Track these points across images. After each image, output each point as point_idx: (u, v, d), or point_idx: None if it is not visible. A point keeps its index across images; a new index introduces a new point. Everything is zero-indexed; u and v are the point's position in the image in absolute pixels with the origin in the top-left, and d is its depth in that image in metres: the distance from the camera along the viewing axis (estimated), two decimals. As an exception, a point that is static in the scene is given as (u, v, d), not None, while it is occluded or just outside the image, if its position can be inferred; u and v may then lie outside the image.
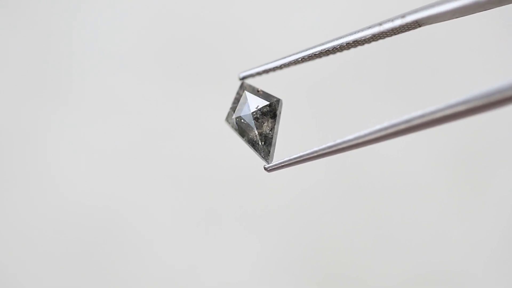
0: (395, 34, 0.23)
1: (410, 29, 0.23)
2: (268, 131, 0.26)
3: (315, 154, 0.26)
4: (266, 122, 0.25)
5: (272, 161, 0.27)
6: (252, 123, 0.25)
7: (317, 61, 0.26)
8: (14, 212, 0.66)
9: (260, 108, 0.25)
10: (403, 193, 0.65)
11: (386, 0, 0.68)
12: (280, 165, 0.26)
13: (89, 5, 0.70)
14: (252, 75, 0.25)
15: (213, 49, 0.69)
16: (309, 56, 0.24)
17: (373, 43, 0.25)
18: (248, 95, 0.25)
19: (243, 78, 0.26)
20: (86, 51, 0.69)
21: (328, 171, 0.65)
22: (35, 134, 0.68)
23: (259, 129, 0.26)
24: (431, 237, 0.64)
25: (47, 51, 0.69)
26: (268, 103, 0.25)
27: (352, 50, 0.25)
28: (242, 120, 0.26)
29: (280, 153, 0.29)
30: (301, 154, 0.25)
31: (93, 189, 0.66)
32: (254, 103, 0.25)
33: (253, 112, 0.25)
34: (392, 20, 0.22)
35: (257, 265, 0.65)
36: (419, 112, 0.23)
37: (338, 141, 0.25)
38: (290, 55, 0.25)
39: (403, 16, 0.21)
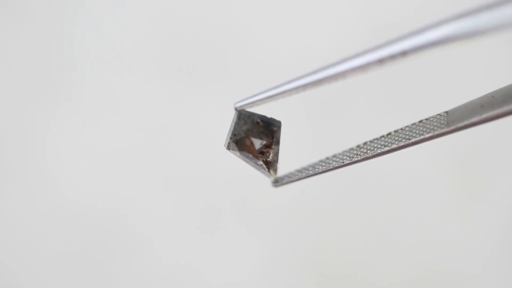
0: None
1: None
2: (272, 157, 0.26)
3: (321, 170, 0.26)
4: (270, 151, 0.26)
5: (277, 175, 0.27)
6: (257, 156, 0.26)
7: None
8: (14, 212, 0.66)
9: (264, 143, 0.25)
10: (402, 192, 0.65)
11: (388, 7, 0.67)
12: (287, 182, 0.27)
13: (91, 4, 0.67)
14: (248, 104, 0.25)
15: (215, 49, 0.68)
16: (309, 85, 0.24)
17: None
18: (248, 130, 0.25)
19: (238, 108, 0.26)
20: (87, 51, 0.68)
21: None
22: (36, 133, 0.67)
23: (265, 158, 0.26)
24: (430, 237, 0.64)
25: (48, 50, 0.68)
26: (270, 135, 0.26)
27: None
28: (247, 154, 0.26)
29: (283, 163, 0.30)
30: (309, 170, 0.26)
31: (94, 188, 0.66)
32: (257, 138, 0.25)
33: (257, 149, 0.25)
34: (392, 55, 0.22)
35: (257, 265, 0.65)
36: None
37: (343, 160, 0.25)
38: (286, 83, 0.25)
39: (404, 52, 0.21)
